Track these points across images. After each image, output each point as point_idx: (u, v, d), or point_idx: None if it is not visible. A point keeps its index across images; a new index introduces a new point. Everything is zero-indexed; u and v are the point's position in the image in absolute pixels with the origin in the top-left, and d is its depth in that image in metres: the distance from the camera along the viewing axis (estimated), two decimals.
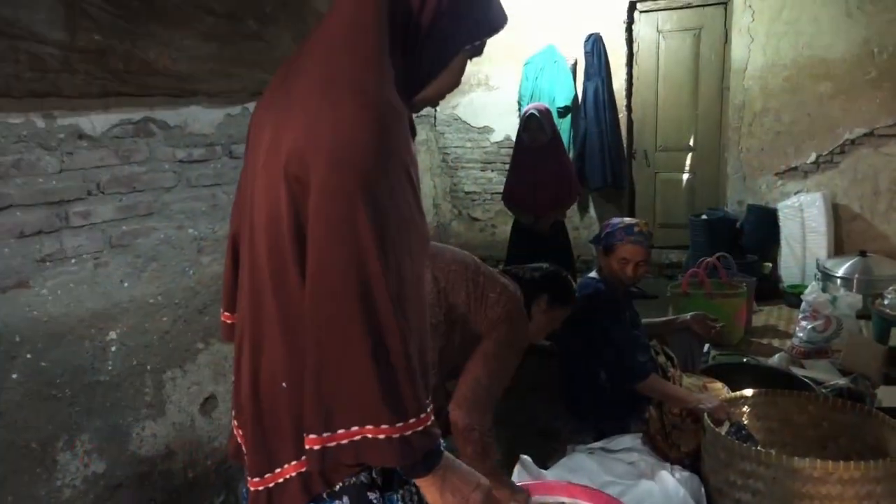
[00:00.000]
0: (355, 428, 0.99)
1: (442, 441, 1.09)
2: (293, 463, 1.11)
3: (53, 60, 1.95)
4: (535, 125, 4.25)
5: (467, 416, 2.11)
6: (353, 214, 0.97)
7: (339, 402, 1.00)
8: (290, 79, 1.11)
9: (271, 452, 1.13)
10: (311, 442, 1.01)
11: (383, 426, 0.98)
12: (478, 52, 1.18)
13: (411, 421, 1.00)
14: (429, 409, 1.05)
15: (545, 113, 4.34)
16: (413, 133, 1.12)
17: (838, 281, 4.48)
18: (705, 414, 2.42)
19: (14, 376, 1.96)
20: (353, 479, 1.12)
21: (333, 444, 1.00)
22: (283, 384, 1.10)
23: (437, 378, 2.11)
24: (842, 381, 3.03)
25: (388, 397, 0.98)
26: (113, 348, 2.23)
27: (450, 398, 2.31)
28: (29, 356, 2.00)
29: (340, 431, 1.00)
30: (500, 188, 4.95)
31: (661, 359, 2.84)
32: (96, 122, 2.12)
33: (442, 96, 1.20)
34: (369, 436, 0.99)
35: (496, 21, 1.16)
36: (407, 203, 1.05)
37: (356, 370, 0.98)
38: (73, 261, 2.10)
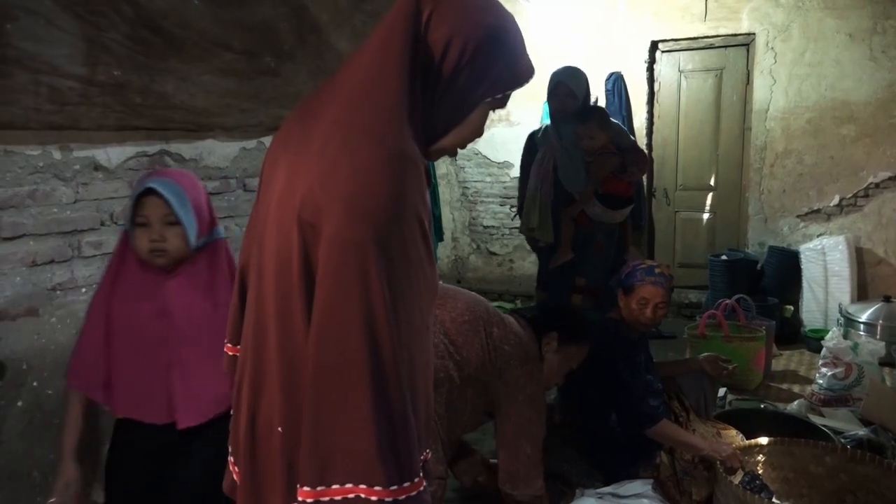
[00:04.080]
0: (349, 485, 0.96)
1: None
2: None
3: (72, 94, 1.99)
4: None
5: (516, 490, 2.15)
6: (363, 265, 0.95)
7: (336, 456, 0.97)
8: (309, 120, 1.09)
9: (261, 496, 1.11)
10: (304, 494, 0.98)
11: (377, 488, 0.95)
12: (500, 104, 1.13)
13: (406, 485, 0.97)
14: (422, 474, 1.02)
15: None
16: (428, 182, 1.10)
17: (861, 326, 4.38)
18: (718, 462, 2.36)
19: (19, 404, 1.97)
20: None
21: (326, 498, 0.97)
22: (279, 429, 1.08)
23: (446, 432, 2.07)
24: (862, 432, 2.95)
25: (385, 458, 0.95)
26: None
27: (464, 451, 2.27)
28: (35, 384, 2.01)
29: (335, 487, 0.97)
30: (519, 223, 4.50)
31: (674, 403, 2.78)
32: (112, 154, 2.16)
33: (462, 146, 1.16)
34: (362, 495, 0.96)
35: (521, 75, 1.12)
36: (418, 255, 1.03)
37: (355, 425, 0.95)
38: (83, 290, 2.12)
